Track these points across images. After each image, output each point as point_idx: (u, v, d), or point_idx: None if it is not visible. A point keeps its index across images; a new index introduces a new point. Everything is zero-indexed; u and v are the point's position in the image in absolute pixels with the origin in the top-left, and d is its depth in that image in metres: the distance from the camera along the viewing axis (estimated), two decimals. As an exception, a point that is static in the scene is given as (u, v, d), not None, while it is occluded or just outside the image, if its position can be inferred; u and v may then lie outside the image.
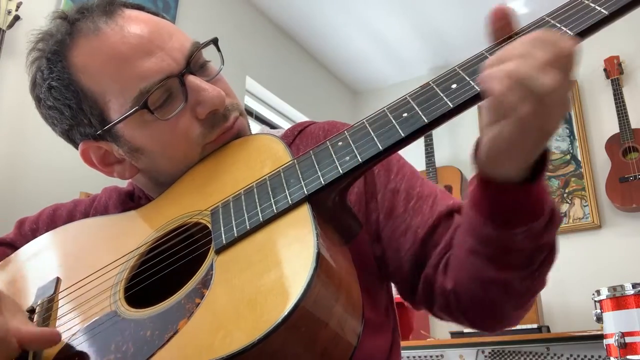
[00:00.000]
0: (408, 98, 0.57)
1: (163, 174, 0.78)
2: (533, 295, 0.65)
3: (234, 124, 0.76)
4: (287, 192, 0.57)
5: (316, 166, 0.58)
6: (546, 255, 0.61)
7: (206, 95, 0.72)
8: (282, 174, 0.61)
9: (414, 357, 2.70)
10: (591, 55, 3.39)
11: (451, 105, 0.53)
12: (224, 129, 0.75)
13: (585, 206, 3.23)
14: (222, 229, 0.59)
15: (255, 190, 0.61)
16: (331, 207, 0.58)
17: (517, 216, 0.56)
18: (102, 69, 0.72)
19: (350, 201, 0.76)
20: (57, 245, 0.81)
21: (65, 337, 0.62)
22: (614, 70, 3.25)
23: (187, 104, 0.73)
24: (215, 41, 0.79)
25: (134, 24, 0.74)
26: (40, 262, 0.79)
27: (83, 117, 0.75)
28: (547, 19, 0.54)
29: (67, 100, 0.75)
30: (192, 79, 0.73)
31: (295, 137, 0.84)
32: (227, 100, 0.76)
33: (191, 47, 0.75)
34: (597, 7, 0.51)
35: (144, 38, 0.72)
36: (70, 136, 0.79)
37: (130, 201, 0.89)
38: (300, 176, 0.58)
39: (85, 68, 0.73)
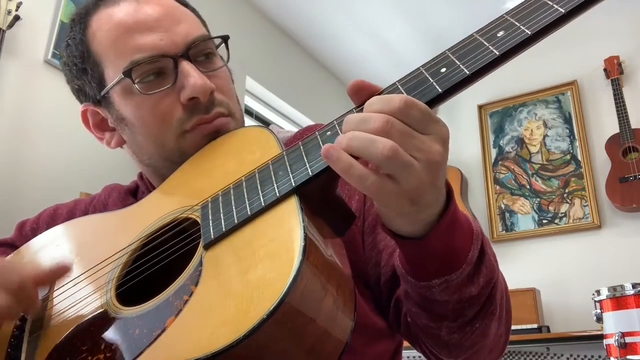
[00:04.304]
0: (397, 84, 0.56)
1: (143, 151, 0.80)
2: (469, 349, 0.63)
3: (213, 120, 0.75)
4: (275, 184, 0.57)
5: (305, 158, 0.57)
6: (479, 309, 0.60)
7: (190, 80, 0.73)
8: (270, 166, 0.60)
9: (414, 357, 2.69)
10: (591, 55, 3.39)
11: (440, 90, 0.52)
12: (201, 120, 0.75)
13: (585, 206, 3.22)
14: (210, 224, 0.59)
15: (244, 183, 0.61)
16: (321, 199, 0.57)
17: (425, 268, 0.57)
18: (106, 36, 0.77)
19: (353, 207, 0.74)
20: (52, 244, 0.81)
21: (57, 337, 0.62)
22: (614, 70, 3.24)
23: (175, 86, 0.74)
24: (225, 39, 0.82)
25: (152, 4, 0.78)
26: (35, 261, 0.79)
27: (86, 79, 0.79)
28: (506, 17, 0.53)
29: (75, 59, 0.80)
30: (184, 64, 0.75)
31: None
32: (218, 95, 0.76)
33: (197, 37, 0.77)
34: (554, 5, 0.50)
35: (152, 17, 0.76)
36: (79, 95, 0.84)
37: (131, 197, 0.90)
38: (288, 168, 0.57)
39: (95, 33, 0.78)
